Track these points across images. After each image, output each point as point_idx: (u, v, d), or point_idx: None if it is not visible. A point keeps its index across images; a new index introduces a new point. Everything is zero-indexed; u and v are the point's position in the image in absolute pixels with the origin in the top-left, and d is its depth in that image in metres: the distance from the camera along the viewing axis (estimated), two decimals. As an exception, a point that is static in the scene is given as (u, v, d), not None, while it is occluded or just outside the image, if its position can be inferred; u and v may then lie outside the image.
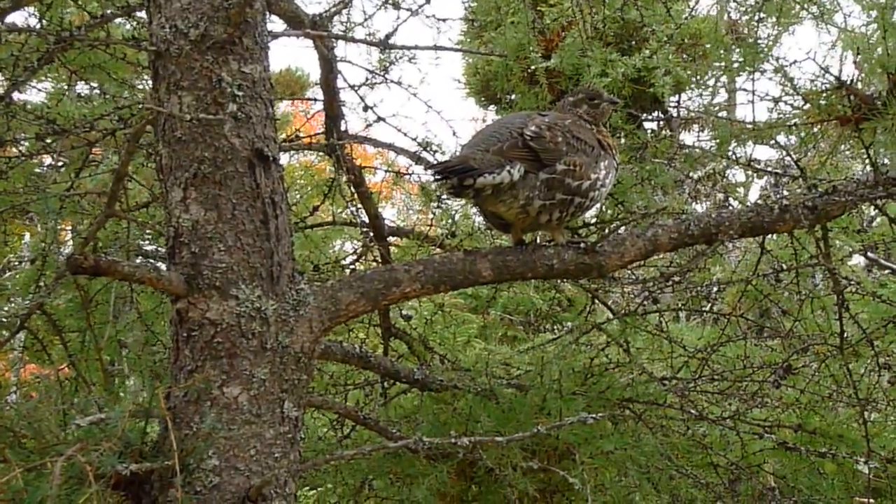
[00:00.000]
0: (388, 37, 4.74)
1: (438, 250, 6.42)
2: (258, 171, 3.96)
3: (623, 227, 5.27)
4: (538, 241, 4.44)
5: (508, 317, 11.25)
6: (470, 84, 14.71)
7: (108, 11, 4.58)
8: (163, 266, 4.06)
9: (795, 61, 4.38)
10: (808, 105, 4.21)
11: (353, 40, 4.87)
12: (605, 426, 5.04)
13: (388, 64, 5.52)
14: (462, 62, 15.22)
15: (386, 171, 6.00)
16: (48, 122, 4.62)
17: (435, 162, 4.96)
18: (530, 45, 6.47)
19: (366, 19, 5.39)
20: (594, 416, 3.71)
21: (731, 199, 11.25)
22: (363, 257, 6.32)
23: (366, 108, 5.39)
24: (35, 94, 7.52)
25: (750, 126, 4.90)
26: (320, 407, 5.10)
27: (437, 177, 4.05)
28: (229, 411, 3.84)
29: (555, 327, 10.78)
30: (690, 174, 10.40)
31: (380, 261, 6.17)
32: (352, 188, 5.76)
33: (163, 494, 3.74)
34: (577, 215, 4.27)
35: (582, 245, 4.25)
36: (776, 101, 4.36)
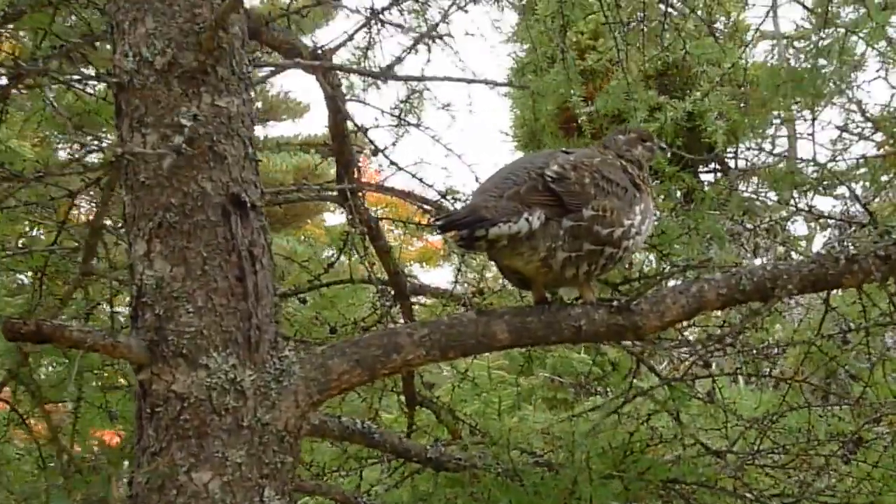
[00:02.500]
0: (389, 67, 4.16)
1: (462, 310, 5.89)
2: (234, 220, 3.41)
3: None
4: (566, 299, 3.84)
5: (558, 379, 10.61)
6: (517, 136, 14.34)
7: (70, 41, 4.09)
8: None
9: (865, 82, 3.78)
10: (878, 133, 3.60)
11: (347, 70, 4.29)
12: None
13: (407, 106, 4.99)
14: (510, 114, 14.88)
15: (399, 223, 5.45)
16: None
17: (443, 213, 4.31)
18: (572, 89, 5.96)
19: (395, 62, 4.88)
20: (627, 507, 3.10)
21: (792, 252, 10.58)
22: (385, 318, 5.76)
23: (375, 153, 4.84)
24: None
25: (812, 168, 4.29)
26: (312, 493, 4.51)
27: (441, 231, 3.49)
28: (198, 500, 3.27)
29: (608, 391, 10.12)
30: (747, 224, 9.77)
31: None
32: (366, 241, 5.22)
33: None
34: (608, 268, 3.66)
35: (615, 303, 3.63)
36: (842, 130, 3.75)
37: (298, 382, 3.44)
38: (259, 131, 5.20)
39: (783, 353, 5.85)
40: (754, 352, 5.05)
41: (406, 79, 4.40)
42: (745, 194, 7.60)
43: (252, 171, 3.51)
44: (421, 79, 4.43)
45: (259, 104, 21.93)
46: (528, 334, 3.59)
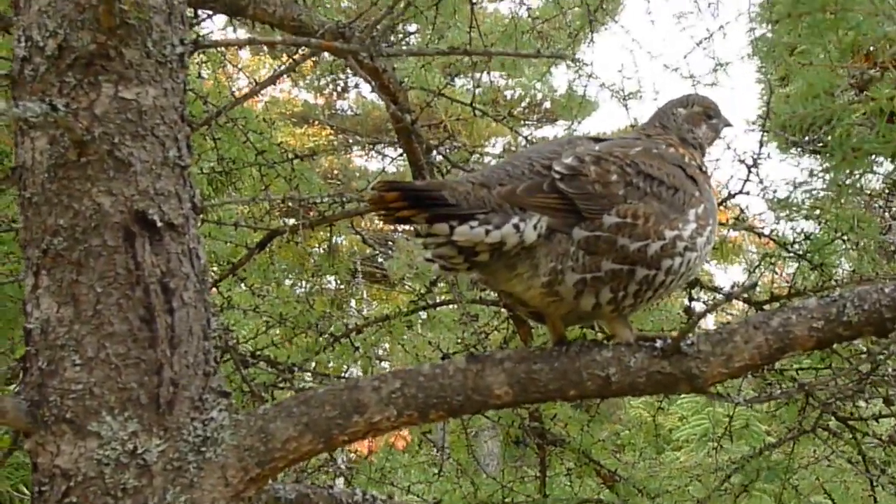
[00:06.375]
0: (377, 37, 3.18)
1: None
2: (139, 245, 2.64)
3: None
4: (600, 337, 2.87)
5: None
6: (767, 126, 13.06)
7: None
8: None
9: None
10: None
11: (351, 50, 3.38)
12: None
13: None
14: (758, 101, 13.72)
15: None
16: None
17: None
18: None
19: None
20: None
21: None
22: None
23: (452, 166, 3.97)
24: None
25: None
26: None
27: (381, 206, 2.50)
28: None
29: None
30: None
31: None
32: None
33: None
34: (645, 297, 2.66)
35: (658, 344, 2.64)
36: None
37: (228, 453, 2.64)
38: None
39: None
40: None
41: (408, 53, 3.52)
42: None
43: (174, 180, 2.73)
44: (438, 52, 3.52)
45: (547, 104, 20.88)
46: (536, 387, 2.65)
